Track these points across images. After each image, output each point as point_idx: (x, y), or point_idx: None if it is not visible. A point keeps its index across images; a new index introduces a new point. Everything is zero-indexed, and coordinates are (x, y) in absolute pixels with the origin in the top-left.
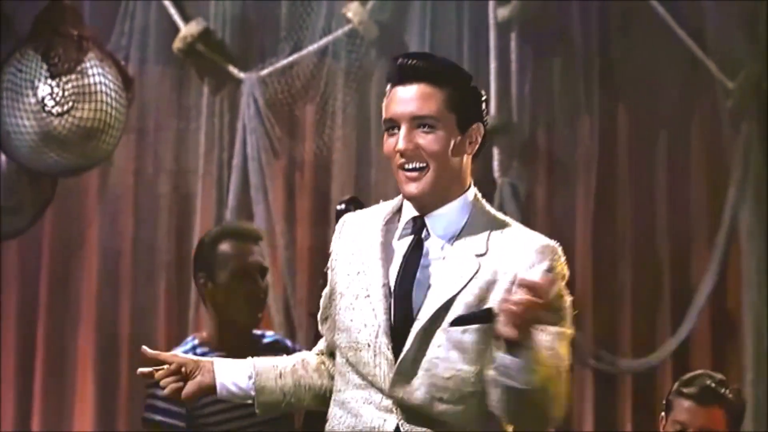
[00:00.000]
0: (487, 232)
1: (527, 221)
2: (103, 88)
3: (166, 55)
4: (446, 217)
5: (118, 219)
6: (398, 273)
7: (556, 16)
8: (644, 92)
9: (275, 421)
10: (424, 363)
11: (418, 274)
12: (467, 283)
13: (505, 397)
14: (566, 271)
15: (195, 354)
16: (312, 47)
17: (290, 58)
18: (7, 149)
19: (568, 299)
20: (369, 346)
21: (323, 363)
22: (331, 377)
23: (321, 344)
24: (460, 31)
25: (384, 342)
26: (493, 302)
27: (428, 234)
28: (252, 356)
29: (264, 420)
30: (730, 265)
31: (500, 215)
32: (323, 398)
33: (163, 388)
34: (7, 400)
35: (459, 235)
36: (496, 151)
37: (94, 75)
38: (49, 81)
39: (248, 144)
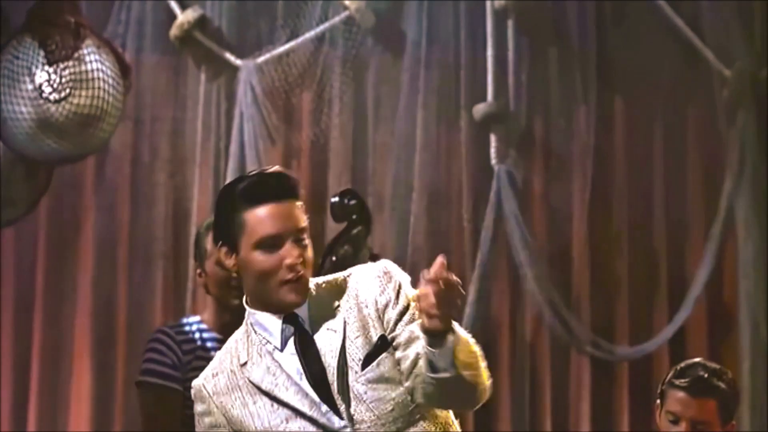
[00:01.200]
0: (332, 289)
1: (524, 209)
2: (101, 75)
3: (162, 42)
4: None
5: (115, 207)
6: (304, 368)
7: (553, 5)
8: (641, 82)
9: None
10: (368, 413)
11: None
12: (344, 334)
13: (437, 389)
14: (404, 277)
15: (200, 335)
16: (309, 35)
17: (287, 46)
18: (4, 136)
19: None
20: None
21: None
22: None
23: None
24: (457, 20)
25: None
26: (374, 334)
27: (303, 321)
28: None
29: None
30: (727, 254)
31: (320, 279)
32: None
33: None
34: (5, 389)
35: (310, 304)
36: (493, 139)
37: (91, 62)
38: (46, 68)
39: (245, 132)
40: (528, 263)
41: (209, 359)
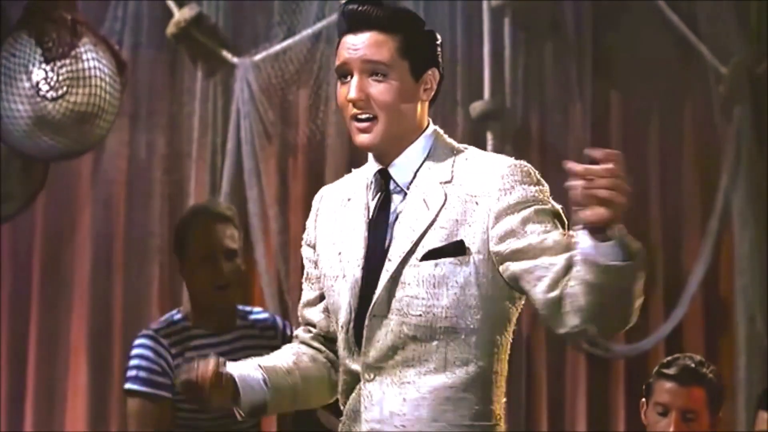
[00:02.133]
0: (451, 159)
1: None
2: (98, 72)
3: (159, 40)
4: (407, 162)
5: (111, 204)
6: (369, 236)
7: (549, 1)
8: (637, 77)
9: None
10: (395, 303)
11: (389, 230)
12: (436, 215)
13: (599, 286)
14: (544, 184)
15: (177, 326)
16: (306, 32)
17: (284, 43)
18: (1, 133)
19: (556, 207)
20: (343, 328)
21: (319, 351)
22: (331, 366)
23: (306, 328)
24: (454, 16)
25: (352, 323)
26: (464, 234)
27: (396, 184)
28: (231, 332)
29: None
30: (723, 251)
31: (464, 146)
32: (327, 390)
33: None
34: (1, 387)
35: (421, 169)
36: (489, 136)
37: (88, 60)
38: (43, 65)
39: (242, 128)
40: None
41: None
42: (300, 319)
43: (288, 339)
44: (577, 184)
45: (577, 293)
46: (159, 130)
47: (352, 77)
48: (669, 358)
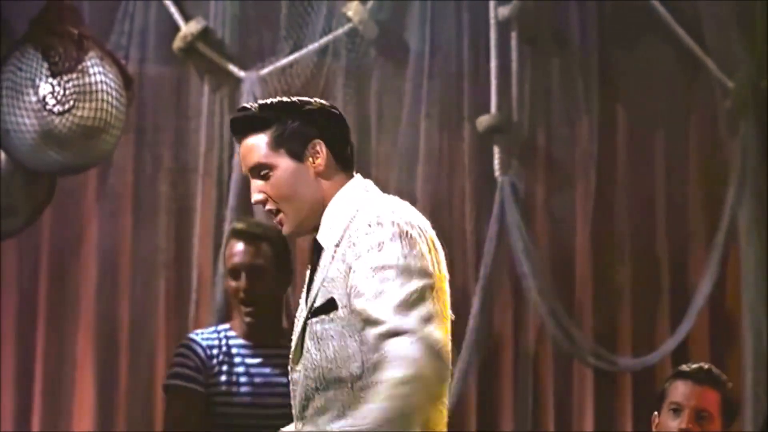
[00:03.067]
0: (347, 220)
1: (527, 219)
2: (104, 87)
3: (165, 54)
4: (326, 231)
5: (118, 218)
6: (305, 305)
7: (556, 15)
8: (643, 91)
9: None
10: (302, 360)
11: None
12: (324, 276)
13: None
14: (401, 228)
15: (227, 342)
16: (312, 46)
17: (290, 57)
18: (7, 148)
19: (407, 260)
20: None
21: None
22: None
23: None
24: (460, 30)
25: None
26: (334, 291)
27: (321, 246)
28: (272, 348)
29: (276, 393)
30: (729, 265)
31: (374, 198)
32: None
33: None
34: (7, 399)
35: (329, 234)
36: (496, 150)
37: (94, 74)
38: (50, 80)
39: None
40: (531, 274)
41: (234, 365)
42: None
43: None
44: None
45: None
46: (165, 144)
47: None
48: (683, 365)
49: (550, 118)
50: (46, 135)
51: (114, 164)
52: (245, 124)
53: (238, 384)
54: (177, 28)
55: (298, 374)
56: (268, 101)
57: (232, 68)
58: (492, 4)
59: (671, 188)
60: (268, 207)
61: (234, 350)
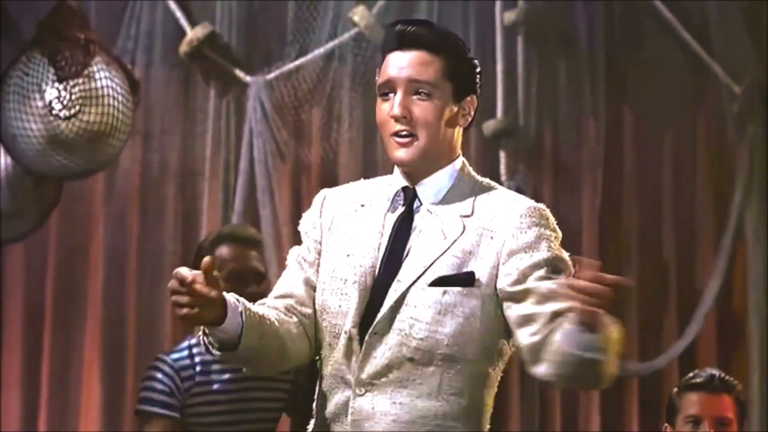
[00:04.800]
0: (473, 194)
1: None
2: (110, 91)
3: (172, 58)
4: (435, 184)
5: (124, 222)
6: (386, 247)
7: (563, 19)
8: (650, 95)
9: (269, 411)
10: (398, 323)
11: (408, 245)
12: (451, 244)
13: (577, 367)
14: (558, 232)
15: (191, 354)
16: (318, 51)
17: (297, 62)
18: (14, 152)
19: (566, 257)
20: (347, 333)
21: (293, 317)
22: (305, 332)
23: (280, 296)
24: (467, 34)
25: (356, 332)
26: (475, 266)
27: (420, 203)
28: None
29: (255, 408)
30: (736, 268)
31: (487, 180)
32: (301, 351)
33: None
34: (14, 401)
35: (445, 198)
36: (502, 155)
37: (101, 79)
38: (56, 84)
39: (255, 147)
40: None
41: (211, 383)
42: (273, 289)
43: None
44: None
45: (554, 355)
46: (172, 148)
47: (395, 94)
48: (690, 374)
49: (557, 121)
50: (53, 140)
51: (120, 168)
52: (422, 37)
53: (216, 403)
54: (183, 33)
55: (379, 336)
56: (447, 30)
57: (239, 73)
58: (498, 8)
59: (678, 191)
60: (401, 126)
61: (207, 366)
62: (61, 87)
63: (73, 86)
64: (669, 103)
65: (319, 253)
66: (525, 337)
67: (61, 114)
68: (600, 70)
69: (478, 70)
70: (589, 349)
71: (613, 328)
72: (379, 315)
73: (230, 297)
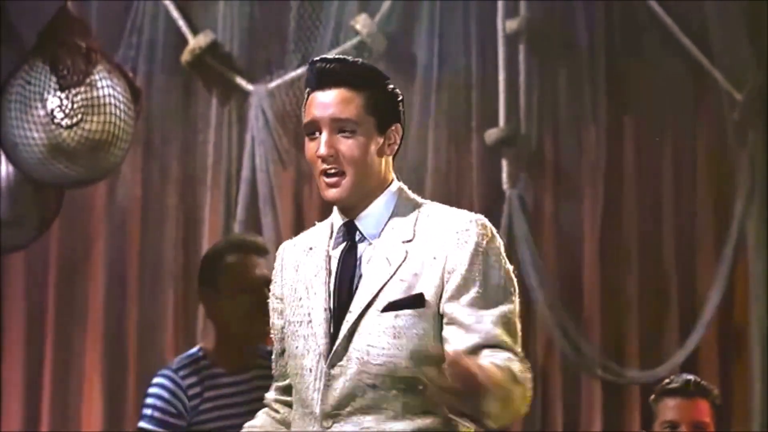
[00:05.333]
0: (414, 218)
1: (535, 231)
2: (112, 100)
3: (174, 67)
4: (373, 216)
5: (125, 230)
6: (335, 281)
7: (564, 27)
8: (651, 103)
9: None
10: (355, 352)
11: (355, 277)
12: (396, 269)
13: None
14: (498, 242)
15: (198, 365)
16: None
17: (298, 71)
18: (15, 161)
19: (507, 269)
20: (311, 371)
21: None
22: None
23: (276, 384)
24: (468, 43)
25: (323, 365)
26: (422, 288)
27: (361, 236)
28: (250, 371)
29: None
30: (738, 277)
31: (427, 201)
32: None
33: (162, 397)
34: (15, 411)
35: (386, 227)
36: (504, 163)
37: (103, 87)
38: (58, 93)
39: (256, 156)
40: (539, 287)
41: (220, 397)
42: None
43: None
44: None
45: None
46: (173, 157)
47: (320, 134)
48: (665, 380)
49: (558, 128)
50: (54, 148)
51: (122, 176)
52: (341, 75)
53: (226, 417)
54: (185, 42)
55: (338, 368)
56: (362, 61)
57: (240, 81)
58: (500, 17)
59: (679, 197)
60: (329, 165)
61: (214, 381)
62: (62, 95)
63: (75, 95)
64: (669, 110)
65: (282, 311)
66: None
67: (63, 122)
68: (601, 78)
69: (400, 98)
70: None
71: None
72: (335, 346)
73: None
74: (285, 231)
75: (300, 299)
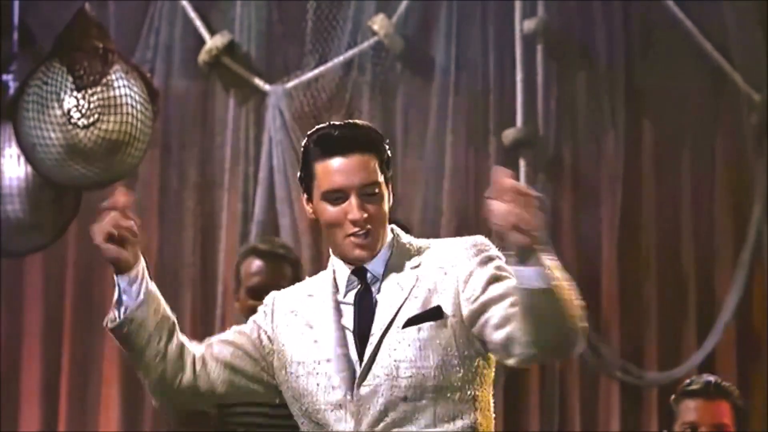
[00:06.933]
0: (416, 251)
1: (553, 234)
2: (129, 100)
3: (191, 68)
4: (380, 258)
5: (143, 233)
6: (354, 320)
7: (582, 30)
8: (669, 107)
9: None
10: (383, 369)
11: (374, 308)
12: (410, 291)
13: (529, 309)
14: (502, 256)
15: None
16: (337, 60)
17: (316, 71)
18: (33, 161)
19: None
20: (341, 406)
21: (197, 359)
22: (193, 371)
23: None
24: (486, 45)
25: (353, 389)
26: (438, 301)
27: (374, 276)
28: None
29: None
30: (755, 281)
31: (419, 239)
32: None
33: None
34: (33, 416)
35: (391, 261)
36: (522, 164)
37: (119, 87)
38: (74, 93)
39: (274, 157)
40: None
41: (250, 404)
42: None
43: None
44: (495, 209)
45: (517, 322)
46: (191, 159)
47: (346, 200)
48: (686, 381)
49: (576, 132)
50: (71, 148)
51: (140, 179)
52: (359, 141)
53: (251, 425)
54: (203, 42)
55: (368, 388)
56: (372, 127)
57: (258, 82)
58: (518, 16)
59: (697, 203)
60: (359, 227)
61: None
62: (79, 96)
63: (92, 95)
64: (688, 115)
65: (264, 347)
66: (494, 336)
67: (80, 122)
68: (619, 81)
69: (387, 148)
70: (533, 280)
71: (547, 251)
72: (362, 367)
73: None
74: (303, 232)
75: (315, 342)
